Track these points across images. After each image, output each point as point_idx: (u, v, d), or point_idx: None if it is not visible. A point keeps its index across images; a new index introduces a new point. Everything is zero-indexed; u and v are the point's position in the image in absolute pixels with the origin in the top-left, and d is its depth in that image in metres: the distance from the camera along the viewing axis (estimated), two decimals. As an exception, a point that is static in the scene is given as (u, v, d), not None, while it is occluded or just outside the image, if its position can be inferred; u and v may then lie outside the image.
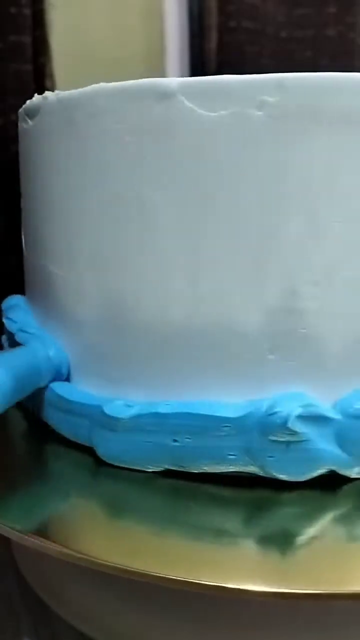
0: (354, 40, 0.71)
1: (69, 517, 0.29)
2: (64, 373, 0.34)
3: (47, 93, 0.33)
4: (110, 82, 0.30)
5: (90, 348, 0.33)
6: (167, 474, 0.31)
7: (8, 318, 0.39)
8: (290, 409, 0.28)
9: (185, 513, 0.29)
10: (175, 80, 0.28)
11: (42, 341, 0.34)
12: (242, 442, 0.29)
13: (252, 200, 0.28)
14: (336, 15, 0.70)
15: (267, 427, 0.28)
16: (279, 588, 0.24)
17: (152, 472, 0.31)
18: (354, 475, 0.30)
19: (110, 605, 0.32)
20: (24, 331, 0.37)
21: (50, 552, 0.26)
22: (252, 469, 0.29)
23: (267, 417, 0.28)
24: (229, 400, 0.29)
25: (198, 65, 0.73)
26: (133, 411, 0.30)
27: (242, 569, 0.25)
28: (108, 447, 0.32)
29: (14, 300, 0.41)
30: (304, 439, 0.28)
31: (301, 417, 0.28)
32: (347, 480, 0.30)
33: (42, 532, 0.27)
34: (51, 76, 0.65)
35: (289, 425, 0.28)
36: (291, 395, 0.29)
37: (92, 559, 0.25)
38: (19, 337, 0.37)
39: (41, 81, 0.64)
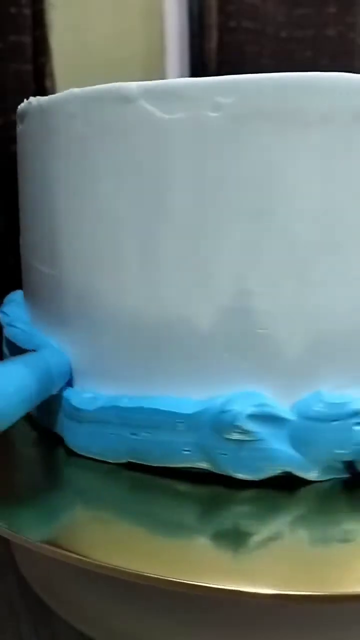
0: (354, 40, 0.71)
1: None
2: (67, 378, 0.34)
3: (31, 98, 0.34)
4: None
5: (71, 343, 0.34)
6: (130, 466, 0.31)
7: (2, 312, 0.40)
8: (242, 407, 0.28)
9: (143, 505, 0.29)
10: (135, 85, 0.29)
11: (52, 347, 0.34)
12: (196, 439, 0.29)
13: (205, 200, 0.29)
14: (336, 15, 0.70)
15: (219, 425, 0.29)
16: (229, 585, 0.24)
17: (116, 464, 0.32)
18: (310, 478, 0.30)
19: (110, 605, 0.32)
20: (12, 325, 0.38)
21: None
22: (206, 465, 0.30)
23: (220, 415, 0.29)
24: (189, 397, 0.30)
25: (198, 65, 0.73)
26: (97, 404, 0.31)
27: (196, 564, 0.25)
28: (75, 438, 0.33)
29: (14, 295, 0.42)
30: (256, 438, 0.29)
31: (254, 417, 0.28)
32: (305, 482, 0.30)
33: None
34: (51, 76, 0.65)
35: (239, 423, 0.28)
36: (246, 394, 0.29)
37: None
38: (8, 331, 0.38)
39: (41, 81, 0.64)
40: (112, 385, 0.32)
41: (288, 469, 0.29)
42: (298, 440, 0.29)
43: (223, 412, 0.29)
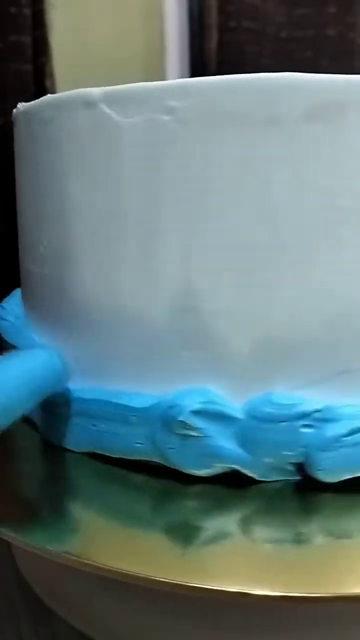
0: (354, 40, 0.71)
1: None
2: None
3: (19, 105, 0.35)
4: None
5: (55, 338, 0.35)
6: (93, 456, 0.32)
7: (1, 305, 0.42)
8: (189, 403, 0.29)
9: (103, 496, 0.30)
10: (97, 90, 0.30)
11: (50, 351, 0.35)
12: (148, 432, 0.30)
13: (155, 201, 0.29)
14: (336, 15, 0.70)
15: (167, 420, 0.29)
16: (176, 580, 0.25)
17: (81, 453, 0.33)
18: (257, 477, 0.30)
19: (110, 605, 0.32)
20: (3, 319, 0.39)
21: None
22: (158, 459, 0.30)
23: (168, 409, 0.29)
24: (145, 391, 0.31)
25: (198, 65, 0.73)
26: (65, 395, 0.32)
27: (148, 556, 0.26)
28: (45, 427, 0.34)
29: (17, 291, 0.43)
30: (202, 434, 0.29)
31: (200, 413, 0.29)
32: (256, 481, 0.30)
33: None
34: (51, 76, 0.65)
35: (184, 419, 0.29)
36: (195, 391, 0.29)
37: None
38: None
39: (41, 81, 0.64)
40: (78, 378, 0.33)
41: (234, 466, 0.30)
42: (245, 439, 0.29)
43: (171, 407, 0.29)
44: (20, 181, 0.37)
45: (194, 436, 0.29)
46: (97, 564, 0.25)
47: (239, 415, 0.29)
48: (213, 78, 0.28)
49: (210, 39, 0.70)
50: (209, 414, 0.29)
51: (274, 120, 0.27)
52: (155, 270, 0.30)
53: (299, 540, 0.27)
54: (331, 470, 0.28)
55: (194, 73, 0.74)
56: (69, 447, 0.33)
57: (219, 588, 0.24)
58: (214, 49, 0.70)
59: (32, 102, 0.34)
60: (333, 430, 0.28)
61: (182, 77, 0.74)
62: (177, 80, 0.29)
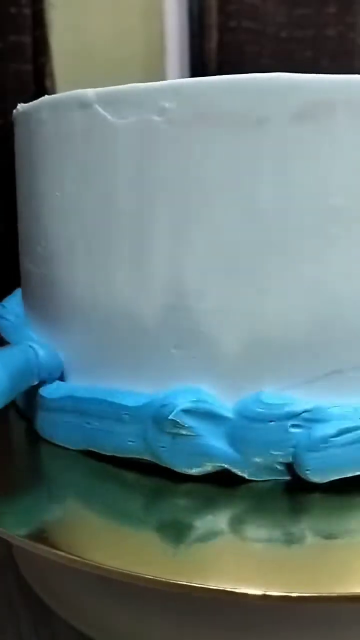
0: (354, 40, 0.71)
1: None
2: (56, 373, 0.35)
3: (18, 106, 0.35)
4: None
5: (54, 337, 0.35)
6: (88, 454, 0.33)
7: (1, 304, 0.42)
8: (180, 402, 0.29)
9: (95, 493, 0.31)
10: (92, 91, 0.30)
11: (35, 341, 0.35)
12: (140, 431, 0.30)
13: (146, 201, 0.30)
14: (336, 15, 0.70)
15: (158, 418, 0.29)
16: (167, 578, 0.25)
17: (75, 450, 0.33)
18: (247, 476, 0.30)
19: (110, 605, 0.32)
20: (2, 317, 0.40)
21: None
22: (149, 457, 0.31)
23: (159, 408, 0.29)
24: (138, 390, 0.31)
25: (198, 65, 0.73)
26: (59, 393, 0.33)
27: (139, 554, 0.26)
28: (41, 424, 0.35)
29: (18, 291, 0.43)
30: (192, 433, 0.29)
31: (191, 412, 0.29)
32: (246, 480, 0.30)
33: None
34: (51, 76, 0.65)
35: (174, 417, 0.29)
36: (186, 390, 0.30)
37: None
38: None
39: (41, 81, 0.64)
40: (74, 376, 0.34)
41: (224, 465, 0.30)
42: (235, 438, 0.29)
43: (162, 405, 0.29)
44: (19, 181, 0.37)
45: (184, 435, 0.29)
46: (86, 561, 0.26)
47: (229, 414, 0.29)
48: (204, 79, 0.28)
49: (210, 39, 0.70)
50: (200, 413, 0.29)
51: (265, 121, 0.27)
52: (146, 269, 0.30)
53: (288, 540, 0.27)
54: (320, 470, 0.28)
55: (194, 73, 0.74)
56: (63, 445, 0.34)
57: (210, 586, 0.24)
58: (214, 49, 0.70)
59: (31, 102, 0.34)
60: (322, 430, 0.28)
61: (182, 77, 0.74)
62: (169, 81, 0.29)
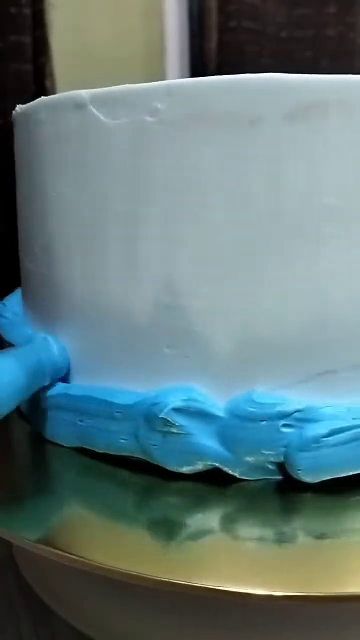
0: (354, 40, 0.71)
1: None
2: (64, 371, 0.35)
3: (17, 107, 0.36)
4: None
5: (57, 335, 0.35)
6: (82, 451, 0.33)
7: (1, 302, 0.42)
8: (171, 401, 0.29)
9: (87, 489, 0.31)
10: (86, 92, 0.30)
11: (46, 340, 0.35)
12: (132, 429, 0.31)
13: (139, 201, 0.30)
14: (336, 15, 0.70)
15: (150, 417, 0.30)
16: (158, 575, 0.25)
17: (70, 448, 0.34)
18: (238, 475, 0.30)
19: (110, 605, 0.32)
20: (1, 315, 0.40)
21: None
22: (140, 455, 0.31)
23: (151, 407, 0.30)
24: (131, 389, 0.31)
25: (198, 66, 0.73)
26: (54, 390, 0.33)
27: (130, 551, 0.26)
28: (37, 422, 0.35)
29: (19, 290, 0.43)
30: (183, 432, 0.29)
31: (181, 411, 0.29)
32: (238, 479, 0.30)
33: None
34: (51, 76, 0.65)
35: (165, 416, 0.29)
36: (178, 388, 0.30)
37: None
38: None
39: (41, 81, 0.64)
40: (69, 373, 0.34)
41: (215, 464, 0.30)
42: (226, 437, 0.29)
43: (154, 404, 0.30)
44: (19, 181, 0.37)
45: (175, 433, 0.29)
46: (77, 557, 0.26)
47: (221, 413, 0.29)
48: (196, 79, 0.28)
49: (210, 39, 0.70)
50: (191, 412, 0.29)
51: (258, 121, 0.27)
52: (140, 268, 0.30)
53: (280, 539, 0.27)
54: (311, 470, 0.28)
55: (194, 73, 0.74)
56: (58, 442, 0.34)
57: (201, 585, 0.24)
58: (214, 49, 0.70)
59: (29, 103, 0.34)
60: (314, 430, 0.28)
61: (182, 77, 0.74)
62: (161, 82, 0.29)
